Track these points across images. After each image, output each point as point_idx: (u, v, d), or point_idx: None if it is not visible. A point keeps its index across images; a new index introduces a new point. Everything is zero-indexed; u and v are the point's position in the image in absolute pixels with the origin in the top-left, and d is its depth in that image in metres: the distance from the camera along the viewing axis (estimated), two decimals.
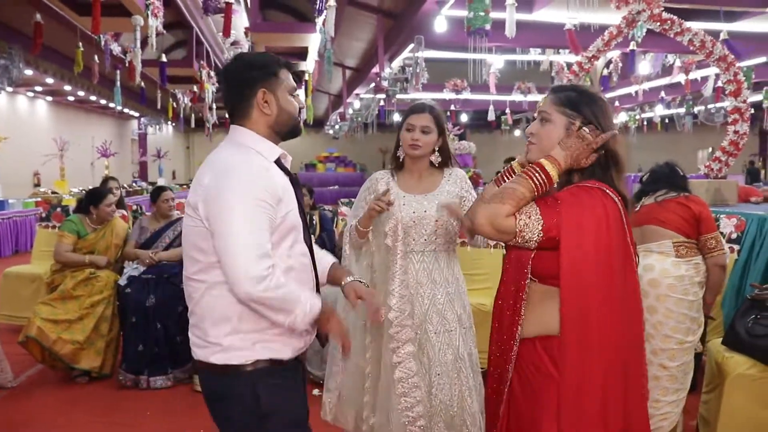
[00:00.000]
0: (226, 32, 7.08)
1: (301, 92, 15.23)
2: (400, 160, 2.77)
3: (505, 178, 1.95)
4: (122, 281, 4.44)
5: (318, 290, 2.00)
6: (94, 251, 4.61)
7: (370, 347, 2.70)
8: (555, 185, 1.78)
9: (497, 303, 1.91)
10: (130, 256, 4.65)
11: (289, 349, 1.84)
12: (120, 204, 5.59)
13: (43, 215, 6.13)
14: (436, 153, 2.73)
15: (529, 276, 1.78)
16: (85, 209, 4.70)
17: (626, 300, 1.74)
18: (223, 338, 1.77)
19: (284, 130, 1.90)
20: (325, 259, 2.10)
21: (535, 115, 1.89)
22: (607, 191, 1.74)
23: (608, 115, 1.83)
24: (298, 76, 14.49)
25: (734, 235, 4.34)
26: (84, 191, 5.72)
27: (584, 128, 1.76)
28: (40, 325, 4.19)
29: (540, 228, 1.68)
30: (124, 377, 4.30)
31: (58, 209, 6.09)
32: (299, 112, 1.92)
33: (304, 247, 1.90)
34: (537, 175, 1.73)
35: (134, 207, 6.49)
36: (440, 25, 7.89)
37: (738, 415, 3.00)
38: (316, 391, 4.21)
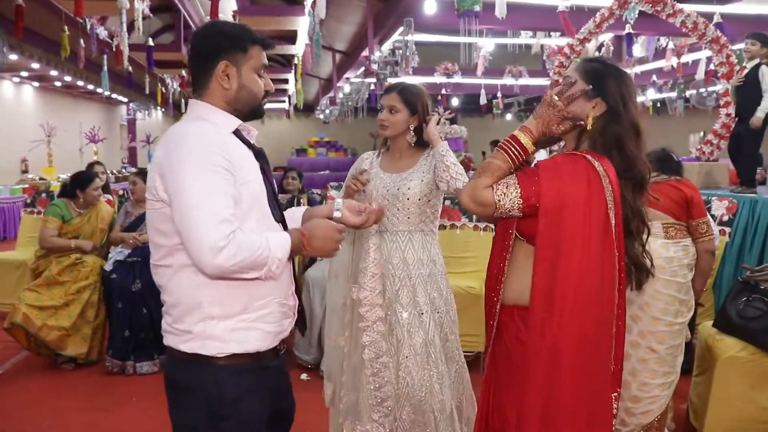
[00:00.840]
0: (213, 16, 6.97)
1: (290, 76, 15.14)
2: (387, 141, 2.78)
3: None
4: (108, 266, 4.38)
5: (294, 268, 1.91)
6: (79, 236, 4.54)
7: (349, 326, 2.70)
8: (533, 156, 1.83)
9: (488, 265, 1.91)
10: (116, 240, 4.59)
11: (269, 336, 1.74)
12: (105, 189, 5.53)
13: (28, 201, 6.05)
14: (411, 133, 2.69)
15: (515, 234, 1.80)
16: (70, 193, 4.63)
17: (601, 278, 1.71)
18: (195, 325, 1.66)
19: (244, 110, 1.78)
20: (295, 215, 2.02)
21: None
22: (594, 162, 1.71)
23: (632, 90, 1.82)
24: (288, 60, 14.38)
25: (726, 218, 4.31)
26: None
27: (554, 96, 1.78)
28: (26, 311, 4.14)
29: (518, 196, 1.71)
30: (111, 363, 4.25)
31: (43, 195, 6.02)
32: (265, 94, 1.81)
33: (273, 224, 1.78)
34: (511, 147, 1.77)
35: (121, 192, 6.42)
36: (430, 7, 7.80)
37: (729, 398, 2.98)
38: (304, 376, 4.18)
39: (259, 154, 1.80)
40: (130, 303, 4.27)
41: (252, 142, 1.81)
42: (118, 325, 4.27)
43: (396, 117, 2.65)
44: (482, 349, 4.26)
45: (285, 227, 1.86)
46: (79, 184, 4.60)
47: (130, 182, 4.75)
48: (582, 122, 1.78)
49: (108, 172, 13.63)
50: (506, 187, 1.71)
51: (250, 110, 1.80)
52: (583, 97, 1.78)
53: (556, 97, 1.76)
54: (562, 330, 1.67)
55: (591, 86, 1.78)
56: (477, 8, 6.17)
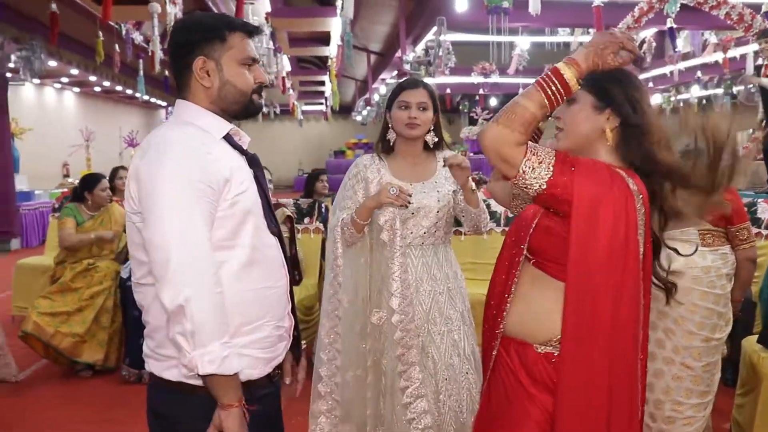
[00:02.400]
0: (238, 17, 6.95)
1: (326, 78, 15.11)
2: (391, 143, 2.51)
3: None
4: (124, 273, 4.31)
5: (292, 286, 1.75)
6: None
7: (370, 355, 2.42)
8: (573, 95, 1.54)
9: (491, 282, 1.73)
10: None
11: (260, 363, 1.57)
12: None
13: (56, 206, 6.06)
14: (431, 133, 2.48)
15: (525, 252, 1.60)
16: (80, 196, 4.58)
17: (634, 295, 1.51)
18: None
19: (232, 108, 1.59)
20: None
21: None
22: (628, 179, 1.51)
23: (642, 90, 1.61)
24: (323, 62, 14.34)
25: None
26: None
27: (613, 29, 1.57)
28: (36, 319, 4.09)
29: (545, 179, 1.47)
30: (128, 372, 4.17)
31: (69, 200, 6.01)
32: (259, 88, 1.63)
33: (269, 237, 1.62)
34: (550, 84, 1.48)
35: None
36: (461, 5, 7.61)
37: None
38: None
39: (252, 161, 1.64)
40: None
41: (245, 147, 1.65)
42: (135, 333, 4.18)
43: (426, 115, 2.42)
44: None
45: (281, 240, 1.69)
46: (86, 185, 4.55)
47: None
48: (640, 57, 1.57)
49: None
50: (538, 162, 1.47)
51: (239, 108, 1.61)
52: (594, 109, 1.59)
53: (616, 29, 1.54)
54: (599, 372, 1.48)
55: (597, 98, 1.59)
56: (506, 4, 5.95)
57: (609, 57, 1.50)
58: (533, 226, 1.61)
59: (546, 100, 1.48)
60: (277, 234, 1.68)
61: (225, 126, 1.59)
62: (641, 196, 1.52)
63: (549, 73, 1.49)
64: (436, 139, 2.49)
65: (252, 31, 1.62)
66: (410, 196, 2.27)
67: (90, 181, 4.59)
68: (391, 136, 2.49)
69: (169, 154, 1.46)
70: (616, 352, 1.49)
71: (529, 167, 1.47)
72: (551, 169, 1.47)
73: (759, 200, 4.11)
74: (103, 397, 4.00)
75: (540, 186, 1.47)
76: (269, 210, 1.65)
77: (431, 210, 2.42)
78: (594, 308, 1.48)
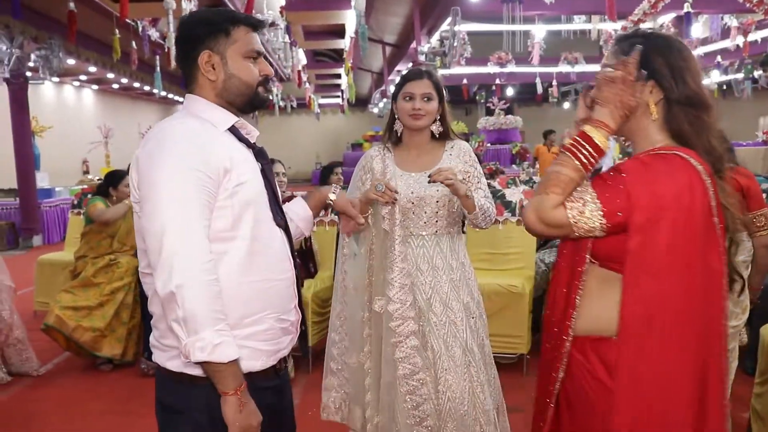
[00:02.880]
0: (248, 10, 7.00)
1: (342, 71, 15.11)
2: (399, 134, 2.51)
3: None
4: None
5: (306, 278, 1.75)
6: (115, 235, 4.54)
7: (368, 340, 2.45)
8: (606, 155, 1.47)
9: (550, 289, 1.63)
10: None
11: (263, 355, 1.58)
12: None
13: (75, 203, 6.13)
14: (437, 122, 2.48)
15: (588, 258, 1.49)
16: (104, 192, 4.65)
17: (707, 293, 1.42)
18: None
19: (237, 101, 1.61)
20: (296, 206, 1.88)
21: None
22: (692, 160, 1.41)
23: (687, 57, 1.48)
24: (339, 55, 14.33)
25: None
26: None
27: (606, 68, 1.47)
28: (59, 313, 4.17)
29: (600, 215, 1.40)
30: (146, 365, 4.22)
31: (89, 196, 6.08)
32: (265, 80, 1.64)
33: (273, 229, 1.62)
34: (581, 149, 1.43)
35: None
36: None
37: None
38: None
39: (259, 154, 1.66)
40: None
41: (252, 141, 1.67)
42: None
43: (431, 106, 2.43)
44: (525, 351, 4.06)
45: (288, 231, 1.70)
46: (111, 181, 4.64)
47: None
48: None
49: None
50: (582, 204, 1.41)
51: (245, 101, 1.63)
52: (637, 82, 1.46)
53: (609, 69, 1.45)
54: (664, 365, 1.40)
55: (638, 69, 1.46)
56: None
57: (632, 102, 1.45)
58: None
59: (579, 164, 1.44)
60: (284, 227, 1.69)
61: (230, 119, 1.61)
62: (708, 177, 1.41)
63: (578, 138, 1.45)
64: (441, 129, 2.49)
65: (256, 24, 1.63)
66: (396, 193, 2.28)
67: (114, 177, 4.68)
68: (398, 126, 2.50)
69: (168, 143, 1.49)
70: (678, 341, 1.41)
71: (577, 213, 1.42)
72: (597, 200, 1.41)
73: None
74: (122, 390, 4.06)
75: (601, 222, 1.41)
76: (276, 202, 1.66)
77: (431, 200, 2.42)
78: (652, 302, 1.40)
